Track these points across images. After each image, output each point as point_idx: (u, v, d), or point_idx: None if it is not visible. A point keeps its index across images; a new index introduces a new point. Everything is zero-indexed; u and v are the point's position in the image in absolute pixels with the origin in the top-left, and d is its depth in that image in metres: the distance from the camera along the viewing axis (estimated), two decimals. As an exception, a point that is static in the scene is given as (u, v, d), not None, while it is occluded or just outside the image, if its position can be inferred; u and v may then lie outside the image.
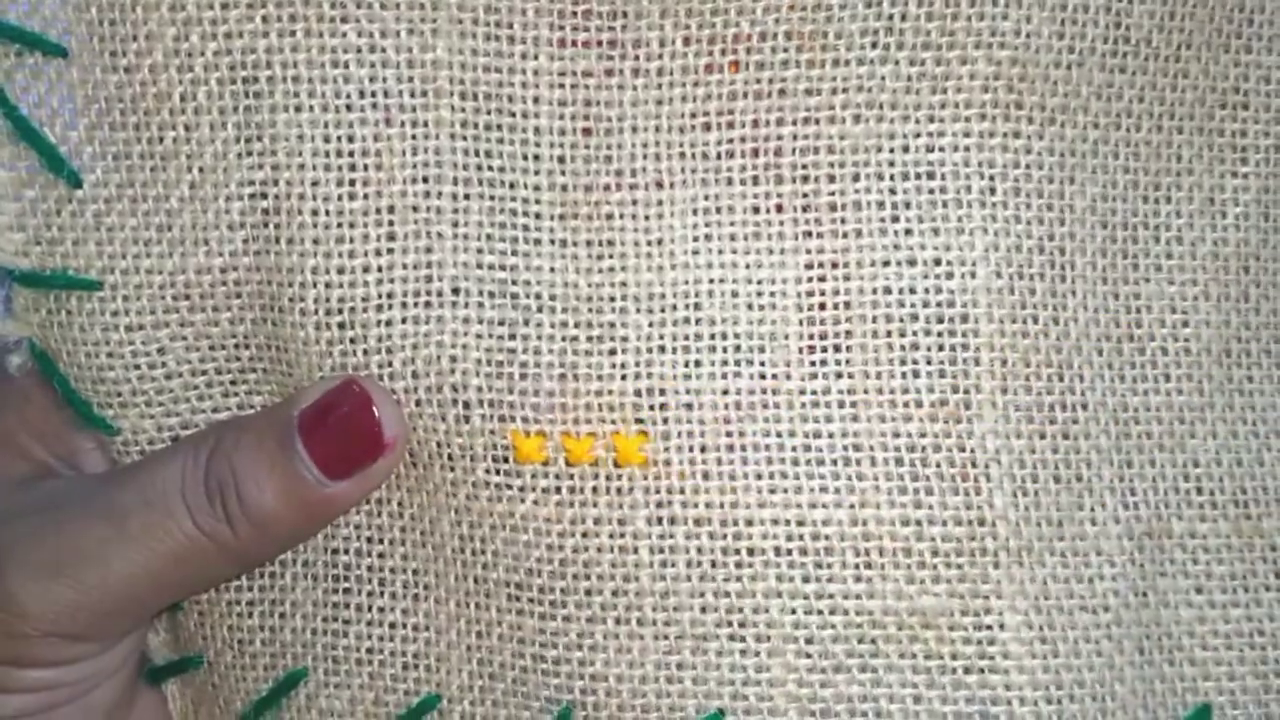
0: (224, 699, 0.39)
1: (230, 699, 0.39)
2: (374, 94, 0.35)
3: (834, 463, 0.36)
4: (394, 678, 0.38)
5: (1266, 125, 0.38)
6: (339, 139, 0.35)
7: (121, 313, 0.36)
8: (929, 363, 0.36)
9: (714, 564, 0.36)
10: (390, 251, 0.35)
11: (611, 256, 0.36)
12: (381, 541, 0.38)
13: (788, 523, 0.35)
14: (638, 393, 0.36)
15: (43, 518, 0.35)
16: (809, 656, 0.36)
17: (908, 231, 0.36)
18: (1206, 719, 0.37)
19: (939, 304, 0.36)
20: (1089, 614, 0.36)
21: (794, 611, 0.36)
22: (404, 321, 0.36)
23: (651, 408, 0.36)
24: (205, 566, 0.36)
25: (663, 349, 0.36)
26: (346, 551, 0.38)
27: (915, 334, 0.36)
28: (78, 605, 0.34)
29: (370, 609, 0.38)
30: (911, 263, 0.36)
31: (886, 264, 0.36)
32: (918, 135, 0.36)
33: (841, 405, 0.36)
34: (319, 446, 0.35)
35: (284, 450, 0.35)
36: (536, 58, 0.35)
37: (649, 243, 0.36)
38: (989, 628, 0.35)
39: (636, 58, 0.35)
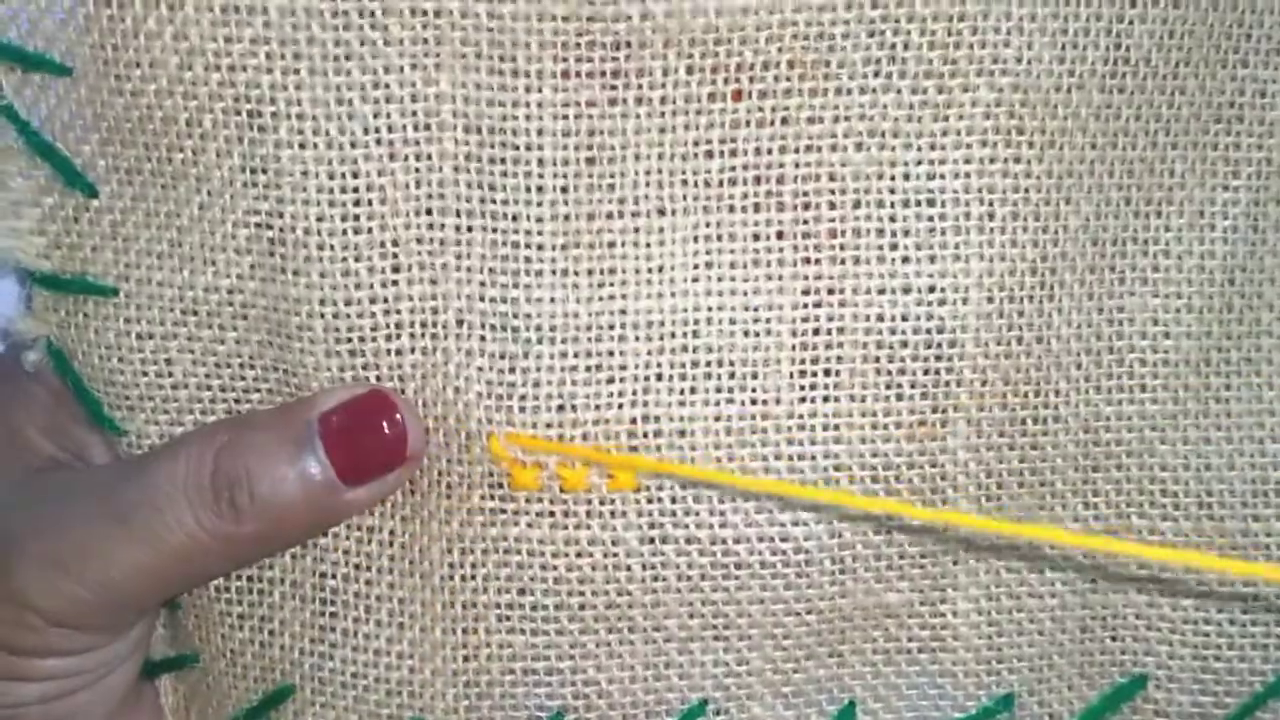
0: (216, 702, 0.40)
1: (222, 704, 0.40)
2: (378, 130, 0.35)
3: (815, 483, 0.37)
4: (378, 702, 0.38)
5: (1259, 138, 0.38)
6: (343, 175, 0.35)
7: (134, 320, 0.37)
8: (912, 386, 0.37)
9: (703, 577, 0.37)
10: (395, 284, 0.36)
11: (612, 284, 0.36)
12: (369, 569, 0.38)
13: (772, 539, 0.37)
14: (633, 420, 0.37)
15: (49, 512, 0.36)
16: (784, 649, 0.39)
17: (905, 259, 0.36)
18: (1140, 688, 0.40)
19: (929, 330, 0.37)
20: (1035, 599, 0.39)
21: (774, 614, 0.38)
22: (413, 352, 0.36)
23: (646, 435, 0.37)
24: (208, 562, 0.36)
25: (659, 376, 0.37)
26: (334, 576, 0.38)
27: (903, 359, 0.37)
28: (83, 600, 0.35)
29: (356, 634, 0.38)
30: (906, 290, 0.36)
31: (882, 291, 0.36)
32: (919, 162, 0.36)
33: (826, 428, 0.37)
34: (340, 451, 0.35)
35: (301, 451, 0.35)
36: (540, 90, 0.35)
37: (650, 270, 0.36)
38: (943, 615, 0.39)
39: (640, 86, 0.35)
